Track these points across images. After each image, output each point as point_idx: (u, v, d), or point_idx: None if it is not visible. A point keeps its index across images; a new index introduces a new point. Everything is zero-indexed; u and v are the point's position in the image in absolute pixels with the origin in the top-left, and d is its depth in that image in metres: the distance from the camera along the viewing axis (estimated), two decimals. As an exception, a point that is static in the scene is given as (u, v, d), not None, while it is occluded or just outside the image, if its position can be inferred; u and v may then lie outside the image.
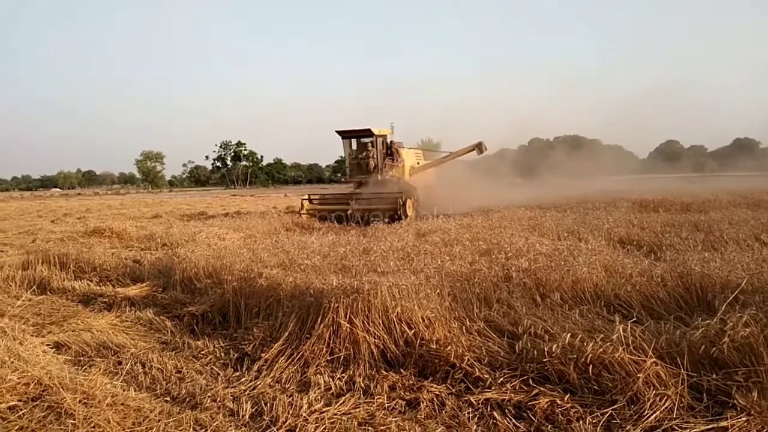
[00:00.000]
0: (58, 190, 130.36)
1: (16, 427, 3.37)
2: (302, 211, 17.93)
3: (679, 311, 4.86)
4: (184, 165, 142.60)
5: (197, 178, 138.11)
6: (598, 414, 3.43)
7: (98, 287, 7.93)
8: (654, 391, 3.46)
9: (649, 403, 3.40)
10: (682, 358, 3.68)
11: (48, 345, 5.12)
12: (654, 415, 3.33)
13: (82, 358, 4.98)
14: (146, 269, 8.57)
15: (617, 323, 3.97)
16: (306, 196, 19.03)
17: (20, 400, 3.63)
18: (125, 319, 6.25)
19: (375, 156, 19.66)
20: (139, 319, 6.23)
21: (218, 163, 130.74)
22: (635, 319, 4.42)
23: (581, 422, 3.37)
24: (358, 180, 20.09)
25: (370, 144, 19.82)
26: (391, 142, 20.07)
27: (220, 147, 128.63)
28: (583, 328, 4.36)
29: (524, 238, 8.40)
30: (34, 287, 7.87)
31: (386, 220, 15.50)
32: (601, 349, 3.75)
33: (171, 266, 8.02)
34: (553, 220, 11.37)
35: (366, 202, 17.25)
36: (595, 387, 3.68)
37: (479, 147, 20.94)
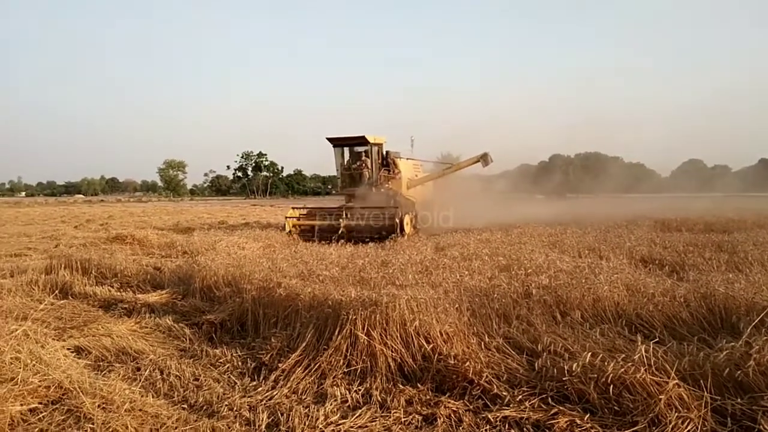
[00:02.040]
0: (82, 196, 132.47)
1: (36, 429, 3.41)
2: (288, 227, 16.09)
3: (702, 333, 4.77)
4: (206, 174, 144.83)
5: (218, 188, 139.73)
6: (619, 435, 3.37)
7: (119, 293, 8.01)
8: (676, 414, 3.39)
9: (671, 426, 3.32)
10: (706, 381, 3.60)
11: (69, 349, 5.17)
12: (676, 438, 3.26)
13: (101, 363, 5.02)
14: (166, 276, 8.66)
15: (639, 343, 3.91)
16: (290, 212, 17.04)
17: (41, 403, 3.68)
18: (145, 326, 6.30)
19: (370, 166, 18.11)
20: (158, 325, 6.27)
21: (239, 173, 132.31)
22: (657, 339, 4.35)
23: (601, 443, 3.31)
24: (350, 193, 18.46)
25: (364, 153, 18.28)
26: (387, 152, 18.45)
27: (242, 157, 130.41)
28: (603, 348, 4.30)
29: (544, 254, 8.34)
30: (57, 292, 7.99)
31: (379, 237, 14.29)
32: (622, 369, 3.68)
33: (191, 274, 8.10)
34: (573, 237, 11.29)
35: (359, 217, 15.60)
36: (615, 408, 3.62)
37: (484, 158, 18.77)
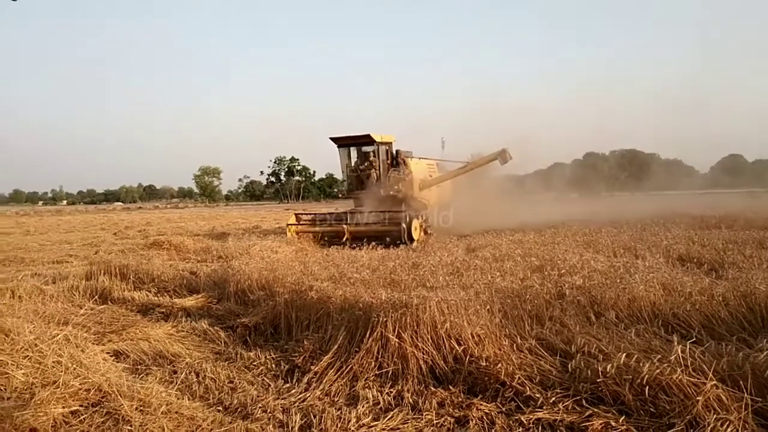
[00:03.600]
0: (121, 203, 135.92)
1: (78, 430, 3.51)
2: (289, 234, 15.24)
3: (741, 332, 4.64)
4: (240, 180, 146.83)
5: (252, 193, 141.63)
6: (655, 438, 3.30)
7: (156, 298, 8.19)
8: (715, 416, 3.30)
9: (709, 428, 3.23)
10: (746, 382, 3.49)
11: (108, 353, 5.30)
12: (715, 441, 3.18)
13: (139, 367, 5.14)
14: (202, 281, 8.82)
15: (676, 343, 3.82)
16: (293, 220, 16.35)
17: (81, 405, 3.78)
18: (181, 329, 6.41)
19: (377, 167, 16.96)
20: (194, 329, 6.37)
21: (272, 178, 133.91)
22: (694, 339, 4.25)
23: (637, 446, 3.25)
24: (357, 196, 17.43)
25: (371, 153, 17.16)
26: (397, 151, 17.24)
27: (275, 162, 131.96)
28: (639, 348, 4.21)
29: (578, 254, 8.22)
30: (97, 297, 8.19)
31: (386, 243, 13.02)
32: (658, 370, 3.60)
33: (225, 278, 8.23)
34: (608, 237, 11.10)
35: (363, 223, 14.80)
36: (651, 409, 3.54)
37: (502, 155, 17.37)
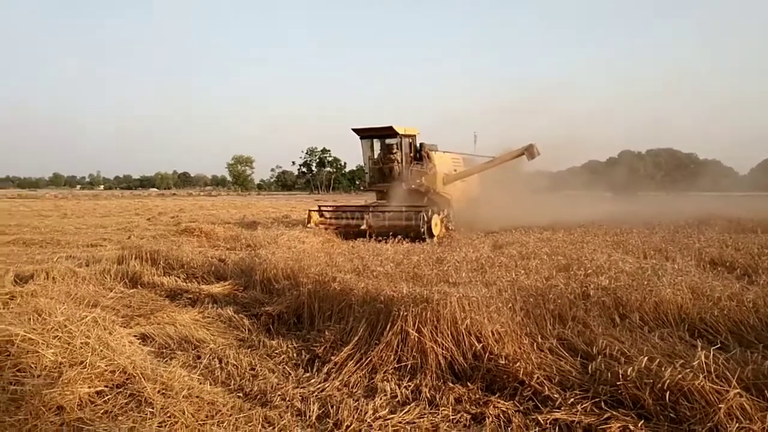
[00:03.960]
0: (156, 190, 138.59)
1: (102, 411, 3.62)
2: (309, 225, 15.10)
3: (771, 340, 4.52)
4: (273, 169, 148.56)
5: (284, 183, 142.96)
6: (674, 444, 3.25)
7: (185, 284, 8.34)
8: (737, 425, 3.23)
9: (731, 437, 3.18)
10: (772, 391, 3.42)
11: (135, 336, 5.42)
12: (737, 450, 3.12)
13: (164, 350, 5.26)
14: (230, 268, 8.95)
15: (699, 349, 3.75)
16: (316, 208, 16.41)
17: (106, 386, 3.89)
18: (207, 316, 6.53)
19: (400, 160, 16.58)
20: (219, 316, 6.48)
21: (304, 169, 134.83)
22: (720, 345, 4.17)
23: (655, 451, 3.21)
24: (379, 189, 17.23)
25: (395, 146, 16.76)
26: (420, 144, 16.88)
27: (306, 153, 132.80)
28: (662, 352, 4.14)
29: (607, 254, 8.09)
30: (127, 281, 8.41)
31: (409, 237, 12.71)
32: (679, 376, 3.54)
33: (252, 266, 8.34)
34: (639, 237, 10.88)
35: (382, 217, 14.46)
36: (671, 415, 3.49)
37: (529, 151, 16.80)
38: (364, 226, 14.12)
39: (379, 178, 17.07)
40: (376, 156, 17.41)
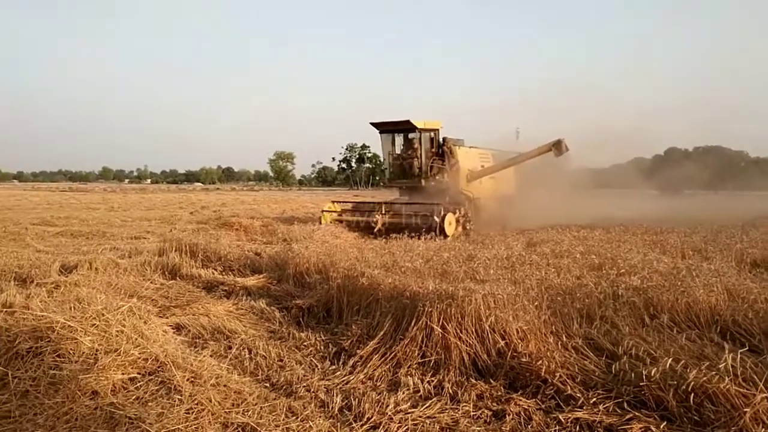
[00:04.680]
0: (200, 184, 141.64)
1: (134, 396, 3.78)
2: (323, 222, 14.92)
3: (807, 345, 4.38)
4: (313, 165, 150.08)
5: (324, 178, 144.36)
6: (696, 446, 3.20)
7: (221, 276, 8.56)
8: (763, 430, 3.17)
9: (756, 442, 3.12)
10: (801, 397, 3.33)
11: (170, 326, 5.62)
12: (761, 456, 3.06)
13: (197, 340, 5.42)
14: (265, 262, 9.13)
15: (726, 351, 3.67)
16: (329, 206, 16.15)
17: (139, 373, 4.06)
18: (240, 307, 6.68)
19: (419, 156, 15.93)
20: (252, 308, 6.63)
21: (344, 165, 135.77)
22: (752, 348, 4.07)
23: (676, 453, 3.17)
24: (399, 185, 16.79)
25: (416, 141, 16.17)
26: (443, 139, 16.19)
27: (346, 149, 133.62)
28: (690, 354, 4.08)
29: (642, 254, 7.95)
30: (166, 272, 8.66)
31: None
32: (704, 378, 3.48)
33: (286, 260, 8.49)
34: (679, 237, 10.62)
35: (394, 214, 14.29)
36: (695, 417, 3.43)
37: (557, 147, 15.83)
38: (376, 224, 13.93)
39: (399, 174, 16.60)
40: (397, 151, 16.94)
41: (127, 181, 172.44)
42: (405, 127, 16.12)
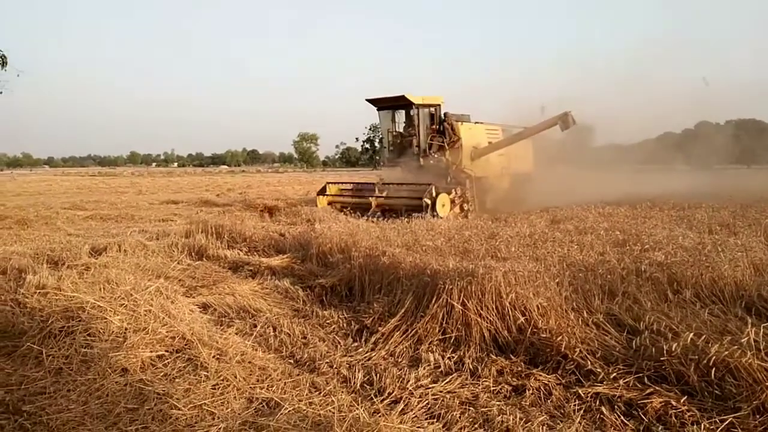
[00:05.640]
0: (226, 167, 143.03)
1: (162, 373, 3.91)
2: (320, 205, 14.64)
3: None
4: (337, 146, 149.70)
5: (348, 159, 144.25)
6: (717, 420, 3.18)
7: (246, 256, 8.68)
8: (785, 403, 3.15)
9: (777, 416, 3.10)
10: (826, 371, 3.29)
11: (196, 305, 5.74)
12: (784, 429, 3.04)
13: (223, 319, 5.55)
14: (288, 242, 9.23)
15: (749, 326, 3.64)
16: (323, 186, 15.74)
17: (167, 351, 4.19)
18: (265, 287, 6.79)
19: (417, 133, 15.09)
20: (277, 287, 6.73)
21: (367, 145, 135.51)
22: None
23: (696, 426, 3.15)
24: (399, 164, 15.73)
25: (415, 117, 15.24)
26: (445, 114, 15.27)
27: (370, 130, 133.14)
28: (713, 329, 4.04)
29: (668, 229, 7.86)
30: (193, 253, 8.82)
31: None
32: (726, 352, 3.46)
33: (309, 240, 8.57)
34: (707, 212, 10.44)
35: (388, 194, 13.81)
36: (716, 392, 3.42)
37: (564, 120, 14.52)
38: (370, 206, 13.49)
39: (399, 153, 15.83)
40: (396, 129, 16.18)
41: (154, 164, 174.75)
42: (402, 103, 15.36)
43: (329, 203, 14.97)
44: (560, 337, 4.19)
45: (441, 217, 12.22)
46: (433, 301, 4.85)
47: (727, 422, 3.15)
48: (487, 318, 4.59)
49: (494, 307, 4.63)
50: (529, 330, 4.43)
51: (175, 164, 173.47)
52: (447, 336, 4.65)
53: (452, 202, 13.57)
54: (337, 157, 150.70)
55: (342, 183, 16.72)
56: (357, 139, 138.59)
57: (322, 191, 15.51)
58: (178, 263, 7.72)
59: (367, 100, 15.85)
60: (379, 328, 4.99)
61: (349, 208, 13.63)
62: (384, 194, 13.96)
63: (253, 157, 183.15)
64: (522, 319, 4.51)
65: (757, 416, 3.16)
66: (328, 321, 5.48)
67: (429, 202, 12.53)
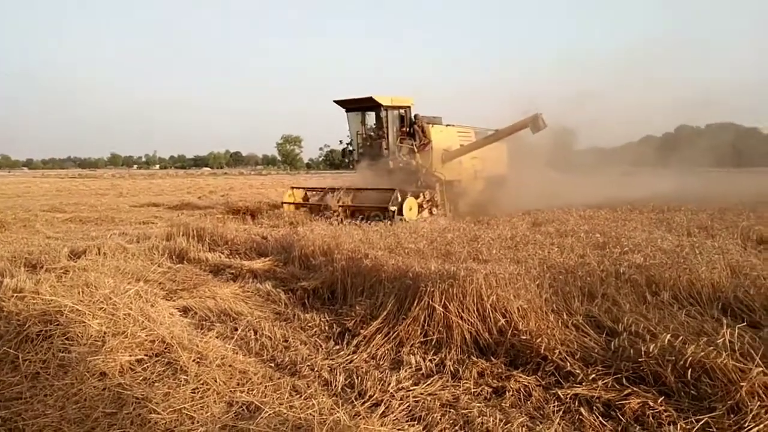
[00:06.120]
0: (208, 169, 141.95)
1: (141, 377, 3.87)
2: (286, 209, 14.52)
3: (808, 320, 4.39)
4: (321, 149, 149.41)
5: (332, 161, 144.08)
6: (693, 420, 3.23)
7: (228, 259, 8.63)
8: (759, 403, 3.19)
9: (751, 415, 3.13)
10: (798, 371, 3.35)
11: (177, 308, 5.69)
12: (757, 429, 3.08)
13: (204, 322, 5.50)
14: (271, 245, 9.19)
15: (725, 326, 3.70)
16: (288, 194, 15.60)
17: (146, 355, 4.14)
18: (247, 290, 6.75)
19: (385, 135, 14.75)
20: (258, 290, 6.70)
21: (350, 147, 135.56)
22: (751, 323, 4.10)
23: (672, 427, 3.20)
24: (366, 167, 15.32)
25: (384, 120, 14.85)
26: (415, 116, 14.93)
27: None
28: (690, 330, 4.11)
29: (647, 232, 7.96)
30: (174, 256, 8.75)
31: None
32: (702, 353, 3.52)
33: (291, 243, 8.55)
34: (686, 215, 10.60)
35: (351, 198, 13.53)
36: (692, 392, 3.47)
37: (534, 122, 14.22)
38: (335, 211, 13.13)
39: (368, 155, 15.38)
40: (366, 131, 15.86)
41: (135, 167, 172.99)
42: (370, 105, 14.96)
43: (296, 208, 14.76)
44: (540, 339, 4.23)
45: (407, 221, 11.97)
46: (415, 304, 4.87)
47: (702, 422, 3.20)
48: (468, 320, 4.62)
49: (475, 309, 4.66)
50: (510, 332, 4.47)
51: (157, 166, 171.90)
52: (428, 338, 4.66)
53: (420, 206, 13.32)
54: (321, 159, 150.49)
55: (307, 188, 16.40)
56: (341, 141, 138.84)
57: (287, 206, 15.18)
58: (159, 266, 7.67)
59: (335, 102, 15.53)
60: (361, 331, 4.99)
61: (313, 215, 13.43)
62: (349, 198, 13.68)
63: (236, 159, 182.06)
64: (503, 321, 4.55)
65: (732, 416, 3.21)
66: (309, 324, 5.47)
67: (394, 209, 12.31)
